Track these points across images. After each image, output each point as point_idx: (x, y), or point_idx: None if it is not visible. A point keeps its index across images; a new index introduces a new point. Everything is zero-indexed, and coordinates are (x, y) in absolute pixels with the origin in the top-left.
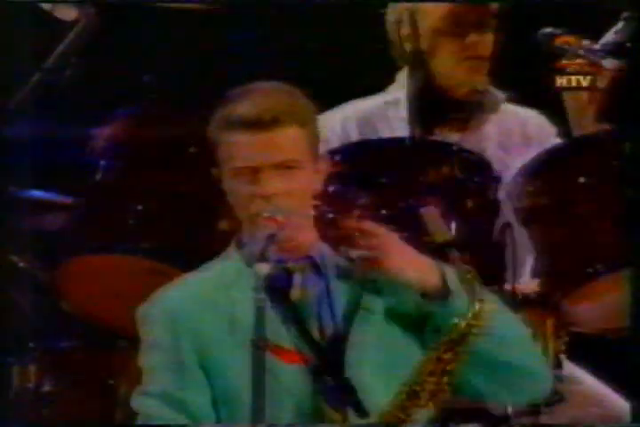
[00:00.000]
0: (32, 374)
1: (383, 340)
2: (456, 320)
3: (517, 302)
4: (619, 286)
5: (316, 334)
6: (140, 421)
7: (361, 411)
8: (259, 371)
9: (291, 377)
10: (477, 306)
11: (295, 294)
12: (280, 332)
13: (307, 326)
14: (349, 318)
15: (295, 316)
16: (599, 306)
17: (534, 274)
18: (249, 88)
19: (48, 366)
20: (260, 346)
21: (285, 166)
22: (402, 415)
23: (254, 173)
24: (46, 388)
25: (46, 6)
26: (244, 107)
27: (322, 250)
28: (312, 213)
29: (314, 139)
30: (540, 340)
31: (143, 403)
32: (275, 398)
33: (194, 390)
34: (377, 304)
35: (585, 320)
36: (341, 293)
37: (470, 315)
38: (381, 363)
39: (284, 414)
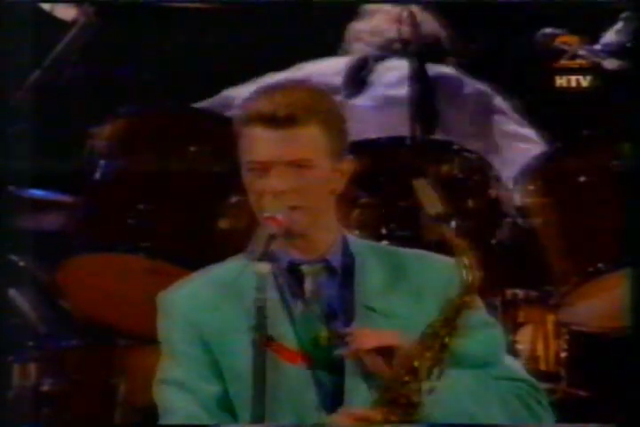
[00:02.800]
0: (32, 373)
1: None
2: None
3: (518, 301)
4: (619, 285)
5: (324, 338)
6: (159, 410)
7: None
8: (259, 371)
9: (290, 377)
10: (470, 278)
11: (308, 294)
12: (286, 332)
13: (315, 329)
14: (361, 323)
15: (304, 318)
16: (600, 305)
17: (535, 273)
18: (274, 84)
19: (48, 365)
20: (260, 346)
21: (297, 165)
22: (402, 391)
23: (265, 168)
24: (46, 387)
25: (46, 6)
26: (262, 102)
27: (345, 254)
28: (331, 213)
29: (336, 138)
30: (541, 339)
31: (161, 391)
32: (274, 397)
33: (206, 380)
34: (393, 310)
35: (585, 319)
36: (356, 297)
37: (463, 290)
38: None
39: (282, 413)
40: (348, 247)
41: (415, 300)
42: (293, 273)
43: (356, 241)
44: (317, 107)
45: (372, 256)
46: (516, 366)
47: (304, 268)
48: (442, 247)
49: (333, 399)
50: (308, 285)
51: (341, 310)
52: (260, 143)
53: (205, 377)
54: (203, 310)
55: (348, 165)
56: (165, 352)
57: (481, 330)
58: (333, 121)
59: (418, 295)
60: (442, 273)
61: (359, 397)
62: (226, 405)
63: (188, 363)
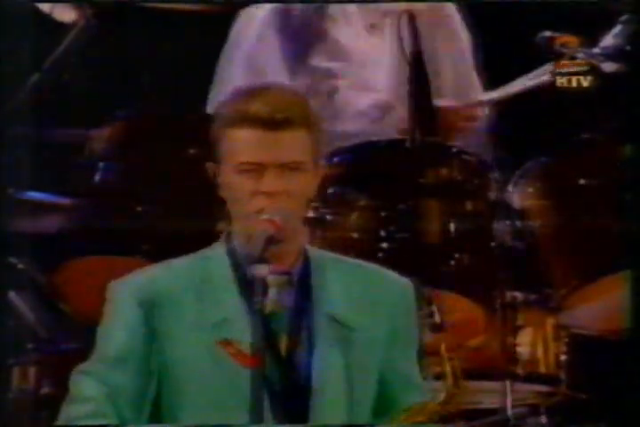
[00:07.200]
0: (31, 376)
1: (355, 358)
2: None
3: (518, 304)
4: (619, 287)
5: (283, 347)
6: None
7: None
8: (258, 373)
9: (243, 381)
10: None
11: (267, 306)
12: (246, 338)
13: (275, 339)
14: (322, 335)
15: (264, 328)
16: (599, 308)
17: (534, 275)
18: (262, 86)
19: (47, 368)
20: (258, 348)
21: (290, 167)
22: None
23: (259, 169)
24: (46, 390)
25: (45, 8)
26: (258, 104)
27: (305, 266)
28: (302, 221)
29: (318, 143)
30: (540, 341)
31: (77, 381)
32: (224, 399)
33: (130, 377)
34: (355, 321)
35: (585, 322)
36: (318, 309)
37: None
38: (348, 383)
39: (230, 415)
40: (308, 259)
41: (371, 313)
42: (259, 282)
43: (316, 252)
44: (306, 111)
45: (332, 268)
46: None
47: (269, 278)
48: (439, 250)
49: (285, 407)
50: (271, 295)
51: (303, 320)
52: (253, 144)
53: (131, 373)
54: (158, 302)
55: (324, 170)
56: (99, 343)
57: None
58: (317, 126)
59: (373, 310)
60: (395, 291)
61: (324, 407)
62: (143, 402)
63: (119, 358)
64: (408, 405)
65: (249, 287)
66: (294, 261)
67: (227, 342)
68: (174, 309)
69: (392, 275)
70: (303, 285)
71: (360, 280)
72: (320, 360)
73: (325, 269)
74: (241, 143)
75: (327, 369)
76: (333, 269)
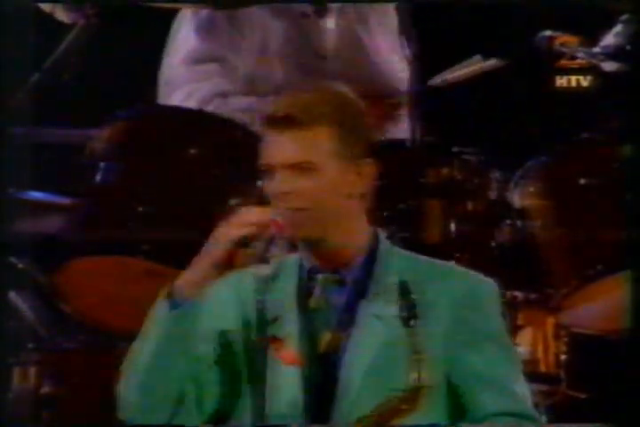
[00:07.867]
0: (32, 375)
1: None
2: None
3: (518, 304)
4: (619, 287)
5: (323, 344)
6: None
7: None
8: (259, 372)
9: (285, 378)
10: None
11: (311, 303)
12: (291, 333)
13: (316, 335)
14: (367, 334)
15: (308, 323)
16: (600, 307)
17: (535, 275)
18: (294, 88)
19: (48, 367)
20: (259, 347)
21: (301, 167)
22: None
23: (271, 170)
24: (46, 389)
25: (46, 8)
26: (271, 106)
27: (366, 265)
28: (354, 218)
29: (349, 141)
30: (541, 341)
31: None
32: (262, 395)
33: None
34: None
35: (585, 321)
36: (367, 307)
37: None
38: (381, 379)
39: (272, 412)
40: (374, 258)
41: (427, 311)
42: (311, 280)
43: (388, 251)
44: (324, 109)
45: (397, 267)
46: (523, 395)
47: (318, 277)
48: (440, 250)
49: (321, 403)
50: (316, 293)
51: (351, 318)
52: (267, 146)
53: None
54: (215, 309)
55: (368, 168)
56: None
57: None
58: (347, 124)
59: (431, 308)
60: (462, 289)
61: (350, 402)
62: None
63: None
64: (490, 407)
65: (301, 288)
66: (348, 261)
67: (274, 339)
68: (227, 315)
69: (466, 274)
70: (359, 283)
71: (422, 278)
72: (357, 358)
73: (389, 268)
74: (263, 145)
75: (361, 367)
76: (398, 267)
